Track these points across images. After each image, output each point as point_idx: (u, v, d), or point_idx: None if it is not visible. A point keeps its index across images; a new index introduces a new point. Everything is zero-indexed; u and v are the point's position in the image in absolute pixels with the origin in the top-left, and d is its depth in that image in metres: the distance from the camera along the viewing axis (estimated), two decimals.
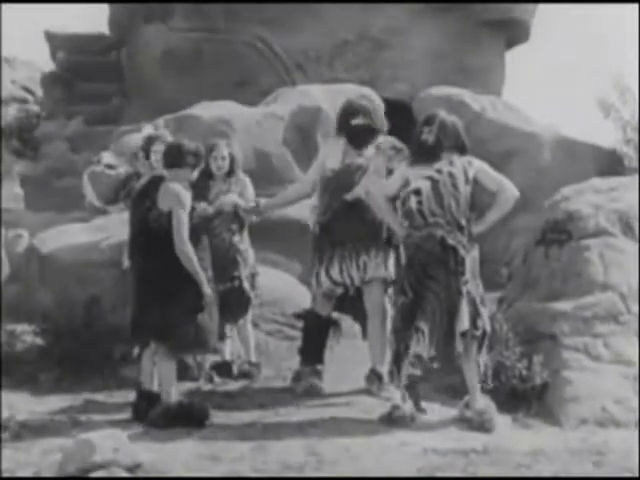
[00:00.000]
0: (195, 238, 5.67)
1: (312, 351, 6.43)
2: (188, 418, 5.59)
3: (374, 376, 6.26)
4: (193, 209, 5.70)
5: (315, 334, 6.44)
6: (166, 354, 5.68)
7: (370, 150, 6.30)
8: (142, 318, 5.73)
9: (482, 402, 5.74)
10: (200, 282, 5.59)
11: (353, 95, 6.69)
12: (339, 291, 6.33)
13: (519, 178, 11.08)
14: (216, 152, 6.78)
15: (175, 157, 5.81)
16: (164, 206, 5.65)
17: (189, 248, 5.57)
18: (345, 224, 6.16)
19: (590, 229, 6.82)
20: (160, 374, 5.75)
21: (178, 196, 5.65)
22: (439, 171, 5.75)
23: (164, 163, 5.90)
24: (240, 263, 6.75)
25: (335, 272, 6.21)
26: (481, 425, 5.62)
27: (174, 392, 5.71)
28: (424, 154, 5.80)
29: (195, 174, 5.87)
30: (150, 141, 6.82)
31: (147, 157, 6.77)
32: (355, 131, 6.29)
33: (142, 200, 5.82)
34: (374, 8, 13.95)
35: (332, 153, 6.36)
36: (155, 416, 5.61)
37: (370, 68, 14.08)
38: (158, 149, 6.70)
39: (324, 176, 6.31)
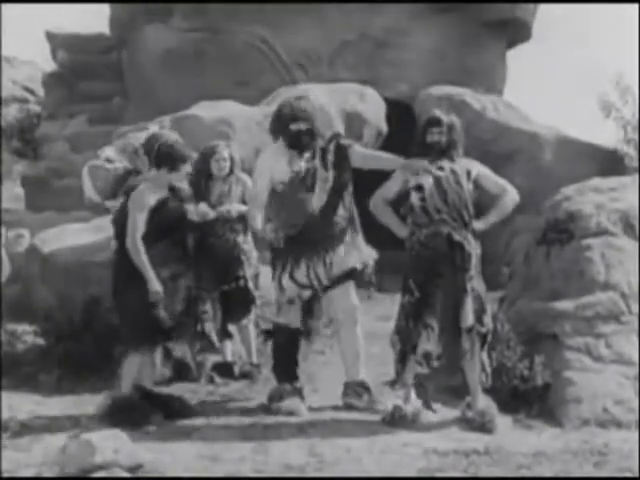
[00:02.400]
0: (165, 236, 5.78)
1: (287, 368, 6.07)
2: (128, 414, 5.59)
3: (361, 389, 5.98)
4: (162, 207, 5.77)
5: (286, 349, 6.09)
6: (127, 348, 5.80)
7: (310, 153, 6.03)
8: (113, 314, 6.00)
9: (483, 403, 5.74)
10: (148, 279, 5.65)
11: (296, 97, 6.36)
12: (306, 295, 5.99)
13: (520, 178, 11.19)
14: (218, 154, 6.78)
15: (154, 157, 5.94)
16: (129, 205, 5.81)
17: (138, 246, 5.67)
18: (312, 233, 5.90)
19: (591, 229, 6.82)
20: (123, 366, 5.84)
21: (139, 196, 5.77)
22: (441, 168, 5.77)
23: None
24: (244, 263, 6.74)
25: (301, 274, 5.91)
26: (482, 426, 5.61)
27: (127, 387, 5.76)
28: (434, 154, 5.82)
29: (176, 176, 5.90)
30: (155, 139, 6.83)
31: (148, 155, 6.78)
32: (297, 136, 5.98)
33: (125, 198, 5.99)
34: (374, 8, 13.94)
35: (277, 165, 6.00)
36: (102, 408, 5.72)
37: (371, 68, 14.07)
38: None
39: (275, 190, 5.99)
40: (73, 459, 4.60)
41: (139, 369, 5.84)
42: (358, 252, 6.04)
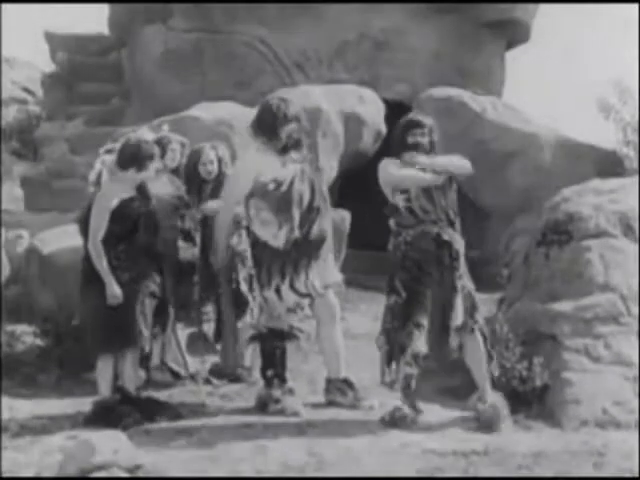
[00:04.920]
0: (128, 237, 5.74)
1: (281, 372, 6.04)
2: (106, 417, 5.61)
3: (345, 386, 6.06)
4: (126, 208, 5.73)
5: (279, 354, 6.06)
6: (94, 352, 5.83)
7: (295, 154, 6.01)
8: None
9: (493, 397, 5.77)
10: (107, 283, 5.64)
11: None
12: (305, 303, 5.95)
13: (519, 179, 11.25)
14: (203, 157, 6.78)
15: (119, 158, 5.91)
16: (93, 204, 5.81)
17: (98, 248, 5.65)
18: (317, 233, 5.92)
19: (591, 230, 6.82)
20: (97, 370, 5.85)
21: (102, 198, 5.76)
22: (423, 170, 5.78)
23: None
24: (237, 265, 6.73)
25: (300, 283, 5.90)
26: (493, 419, 5.63)
27: (104, 390, 5.78)
28: (416, 155, 5.83)
29: (145, 175, 5.87)
30: (167, 140, 6.85)
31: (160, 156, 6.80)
32: (294, 139, 5.96)
33: None
34: (374, 8, 13.93)
35: (265, 164, 5.88)
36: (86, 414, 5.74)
37: (370, 69, 14.05)
38: (175, 147, 6.81)
39: (268, 190, 5.84)
40: (72, 459, 4.61)
41: (121, 371, 5.82)
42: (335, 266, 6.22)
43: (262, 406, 6.00)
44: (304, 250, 5.89)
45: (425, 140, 5.84)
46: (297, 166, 5.96)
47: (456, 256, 5.69)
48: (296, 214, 5.87)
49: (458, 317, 5.65)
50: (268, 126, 5.96)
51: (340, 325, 6.18)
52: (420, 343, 5.65)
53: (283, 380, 6.07)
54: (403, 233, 5.76)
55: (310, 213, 5.93)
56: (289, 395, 6.02)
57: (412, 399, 5.76)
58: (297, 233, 5.85)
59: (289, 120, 5.94)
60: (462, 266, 5.72)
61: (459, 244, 5.75)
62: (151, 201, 5.96)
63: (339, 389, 6.08)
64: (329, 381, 6.14)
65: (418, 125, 5.87)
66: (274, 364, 6.06)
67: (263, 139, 5.97)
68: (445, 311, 5.66)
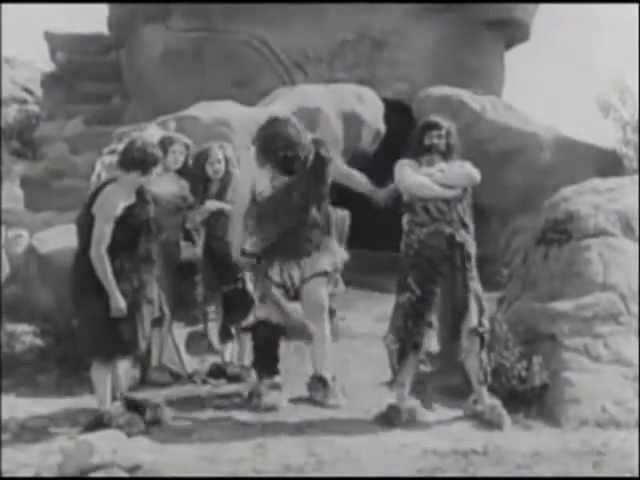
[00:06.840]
0: (131, 246, 5.57)
1: (267, 363, 6.18)
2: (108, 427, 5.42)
3: (318, 383, 6.14)
4: (129, 215, 5.55)
5: (266, 344, 6.16)
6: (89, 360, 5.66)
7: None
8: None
9: (490, 399, 5.78)
10: (111, 294, 5.41)
11: (280, 114, 6.47)
12: (278, 292, 6.09)
13: (519, 178, 11.25)
14: (211, 157, 6.76)
15: (123, 159, 5.71)
16: (94, 209, 5.54)
17: (103, 258, 5.40)
18: (287, 245, 6.06)
19: (590, 229, 6.82)
20: (92, 378, 5.66)
21: (107, 204, 5.50)
22: (441, 171, 5.81)
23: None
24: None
25: (275, 273, 6.07)
26: (493, 420, 5.65)
27: (103, 400, 5.58)
28: (432, 157, 5.86)
29: (147, 180, 5.67)
30: (169, 142, 6.82)
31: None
32: (285, 161, 6.06)
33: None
34: (374, 8, 13.94)
35: (259, 176, 6.13)
36: (87, 422, 5.56)
37: (370, 68, 14.06)
38: (177, 149, 6.76)
39: (256, 200, 6.12)
40: (72, 459, 4.61)
41: (116, 375, 5.73)
42: (331, 255, 6.22)
43: (249, 399, 6.11)
44: (278, 254, 6.09)
45: (442, 142, 5.88)
46: (284, 181, 6.08)
47: (467, 257, 5.71)
48: (261, 227, 6.12)
49: (472, 319, 5.68)
50: (262, 150, 6.14)
51: (326, 321, 6.18)
52: (432, 342, 5.70)
53: (271, 372, 6.15)
54: (416, 231, 5.78)
55: (280, 226, 6.07)
56: (272, 389, 6.08)
57: (425, 396, 5.81)
58: (264, 245, 6.10)
59: (288, 145, 6.04)
60: (474, 268, 5.75)
61: (471, 247, 5.77)
62: (150, 206, 5.74)
63: (314, 386, 6.16)
64: (312, 377, 6.21)
65: (435, 127, 5.91)
66: (261, 355, 6.17)
67: (259, 151, 6.15)
68: (458, 312, 5.68)
